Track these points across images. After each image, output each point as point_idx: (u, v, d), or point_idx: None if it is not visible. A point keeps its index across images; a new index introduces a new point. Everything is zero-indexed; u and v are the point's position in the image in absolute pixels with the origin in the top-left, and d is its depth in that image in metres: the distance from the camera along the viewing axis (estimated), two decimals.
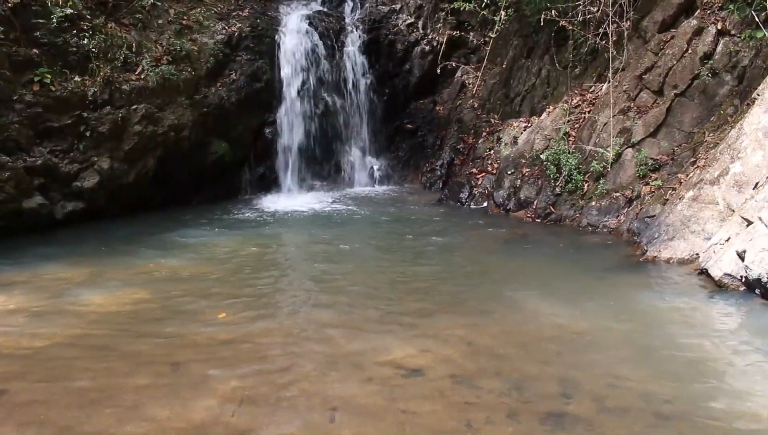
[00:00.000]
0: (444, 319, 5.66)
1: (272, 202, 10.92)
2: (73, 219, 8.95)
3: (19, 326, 5.40)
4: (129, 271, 7.02)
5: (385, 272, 7.17)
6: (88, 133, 8.99)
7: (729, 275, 6.20)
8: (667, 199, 7.99)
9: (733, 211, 6.84)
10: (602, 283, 6.68)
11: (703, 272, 6.60)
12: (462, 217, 10.01)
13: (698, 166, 7.82)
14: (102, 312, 5.76)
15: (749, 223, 6.39)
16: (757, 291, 5.90)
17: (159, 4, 10.28)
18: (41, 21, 8.51)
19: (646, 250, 7.42)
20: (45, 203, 8.62)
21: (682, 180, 8.04)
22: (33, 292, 6.26)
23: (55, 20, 8.61)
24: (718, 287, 6.25)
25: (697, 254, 6.95)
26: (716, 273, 6.33)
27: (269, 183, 11.68)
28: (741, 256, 6.12)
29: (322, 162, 12.30)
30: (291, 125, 11.75)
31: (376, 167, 12.80)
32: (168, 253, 7.80)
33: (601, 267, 7.22)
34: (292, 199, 11.14)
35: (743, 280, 6.07)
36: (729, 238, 6.54)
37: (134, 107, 9.46)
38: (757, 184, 6.74)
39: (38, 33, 8.50)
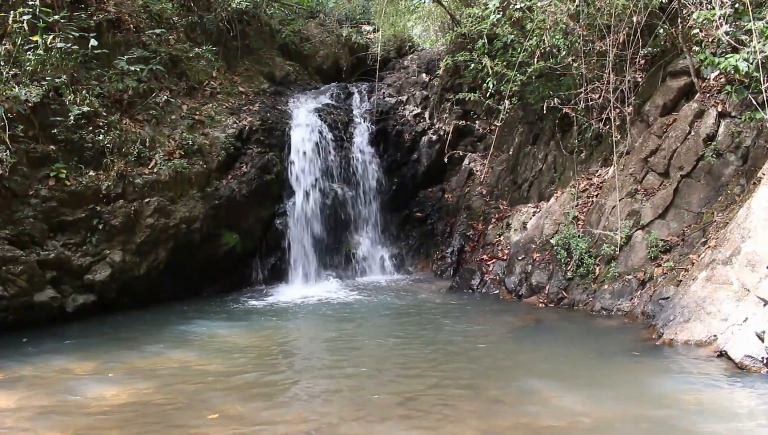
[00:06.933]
0: (458, 409, 5.49)
1: (283, 293, 10.86)
2: (83, 311, 8.89)
3: (20, 426, 5.27)
4: (136, 365, 6.91)
5: (397, 363, 7.03)
6: (100, 227, 9.10)
7: (750, 357, 6.05)
8: (681, 281, 7.89)
9: (749, 290, 6.73)
10: (619, 369, 6.50)
11: (723, 354, 6.43)
12: (474, 305, 9.89)
13: (709, 247, 7.77)
14: (103, 408, 5.62)
15: (766, 302, 6.29)
16: None
17: (172, 100, 10.65)
18: (59, 119, 8.77)
19: (662, 333, 7.26)
20: (56, 296, 8.61)
21: (694, 261, 7.96)
22: (38, 388, 6.14)
23: (72, 118, 8.87)
24: (740, 370, 6.08)
25: (715, 336, 6.80)
26: (736, 355, 6.18)
27: (280, 273, 11.65)
28: (760, 337, 5.99)
29: (332, 252, 12.30)
30: (301, 216, 11.83)
31: (386, 256, 12.78)
32: (177, 346, 7.71)
33: (617, 352, 7.05)
34: (303, 290, 11.06)
35: (765, 361, 5.92)
36: (746, 319, 6.40)
37: (147, 200, 9.61)
38: None
39: (55, 130, 8.74)
